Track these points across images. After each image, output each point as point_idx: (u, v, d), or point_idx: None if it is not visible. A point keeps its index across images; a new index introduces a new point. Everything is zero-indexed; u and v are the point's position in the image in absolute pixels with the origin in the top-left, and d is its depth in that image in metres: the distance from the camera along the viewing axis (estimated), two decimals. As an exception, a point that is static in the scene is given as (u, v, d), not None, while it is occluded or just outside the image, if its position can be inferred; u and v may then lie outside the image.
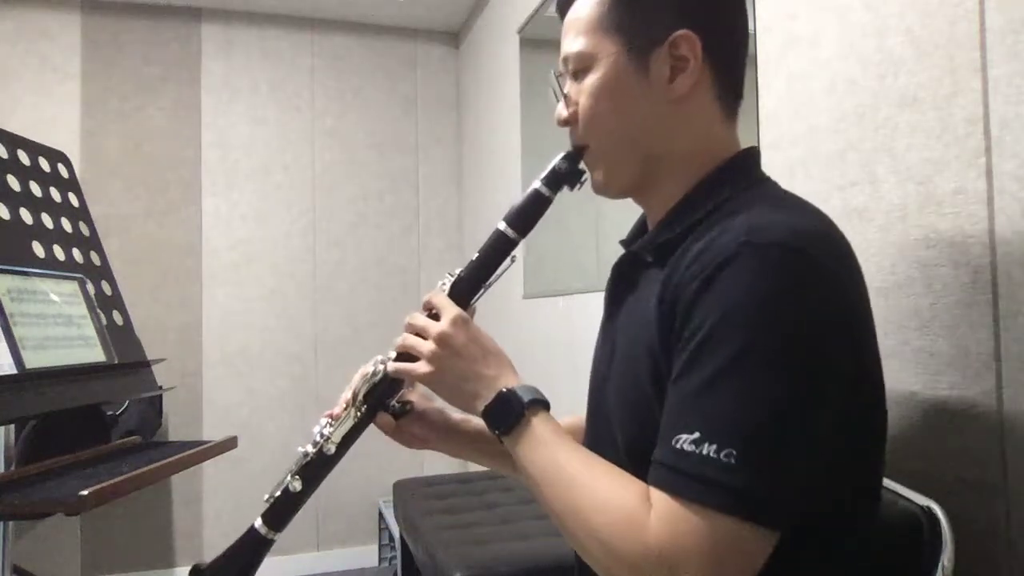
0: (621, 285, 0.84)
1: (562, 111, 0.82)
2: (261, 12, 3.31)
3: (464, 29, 3.53)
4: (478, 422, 0.84)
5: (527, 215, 0.83)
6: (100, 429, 1.88)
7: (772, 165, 1.26)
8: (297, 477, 0.85)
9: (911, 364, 0.99)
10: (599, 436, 0.80)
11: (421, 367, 0.80)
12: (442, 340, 0.79)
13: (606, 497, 0.65)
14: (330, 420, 0.87)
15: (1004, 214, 0.87)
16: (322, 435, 0.86)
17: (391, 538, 3.00)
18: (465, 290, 0.84)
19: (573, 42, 0.79)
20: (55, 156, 2.18)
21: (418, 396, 0.95)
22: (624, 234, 0.89)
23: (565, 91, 0.82)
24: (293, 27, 3.37)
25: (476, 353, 0.78)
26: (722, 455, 0.58)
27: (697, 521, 0.58)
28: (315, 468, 0.86)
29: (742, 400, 0.59)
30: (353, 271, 3.40)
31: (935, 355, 0.96)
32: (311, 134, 3.38)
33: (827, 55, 1.16)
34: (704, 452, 0.58)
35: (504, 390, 0.75)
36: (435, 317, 0.81)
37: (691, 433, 0.60)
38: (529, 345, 2.64)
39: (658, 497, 0.61)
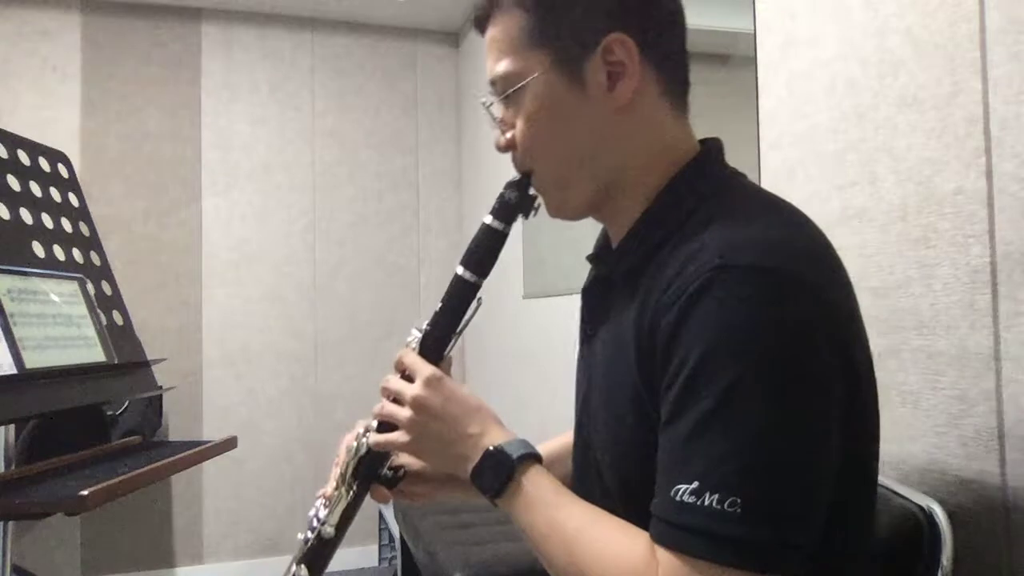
0: (593, 311, 0.79)
1: (499, 138, 0.77)
2: (261, 12, 3.31)
3: (464, 29, 3.52)
4: None
5: (482, 254, 0.78)
6: (100, 429, 1.88)
7: (772, 165, 1.26)
8: (302, 565, 0.82)
9: (911, 364, 0.99)
10: (587, 476, 0.77)
11: (400, 437, 0.76)
12: (417, 405, 0.74)
13: (611, 557, 0.62)
14: (325, 502, 0.84)
15: (1004, 214, 0.87)
16: (318, 519, 0.82)
17: (391, 538, 3.00)
18: (434, 344, 0.79)
19: (497, 64, 0.74)
20: (55, 156, 2.17)
21: (409, 456, 0.90)
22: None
23: (498, 116, 0.77)
24: (293, 27, 3.37)
25: (456, 412, 0.74)
26: (726, 505, 0.54)
27: None
28: (317, 553, 0.82)
29: (737, 442, 0.55)
30: (353, 271, 3.40)
31: (935, 355, 0.96)
32: (311, 134, 3.38)
33: (827, 55, 1.16)
34: (706, 503, 0.55)
35: (490, 448, 0.70)
36: (409, 379, 0.77)
37: (690, 483, 0.56)
38: (529, 345, 2.64)
39: (663, 555, 0.58)
